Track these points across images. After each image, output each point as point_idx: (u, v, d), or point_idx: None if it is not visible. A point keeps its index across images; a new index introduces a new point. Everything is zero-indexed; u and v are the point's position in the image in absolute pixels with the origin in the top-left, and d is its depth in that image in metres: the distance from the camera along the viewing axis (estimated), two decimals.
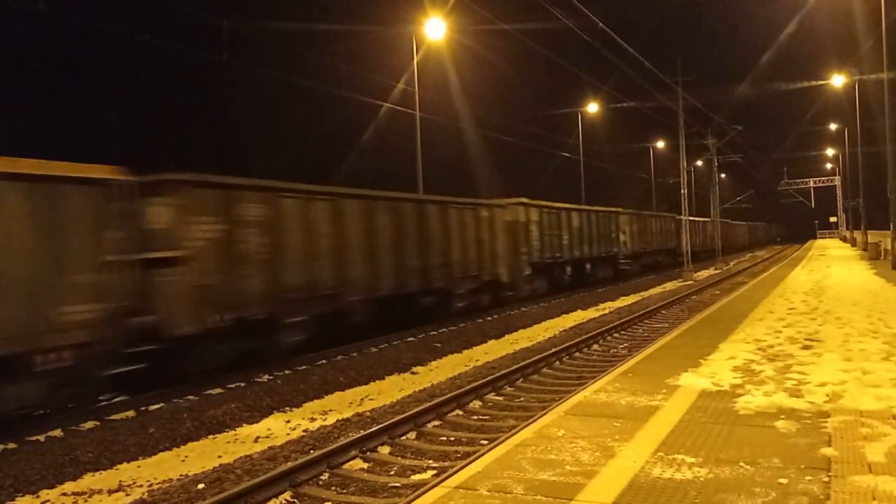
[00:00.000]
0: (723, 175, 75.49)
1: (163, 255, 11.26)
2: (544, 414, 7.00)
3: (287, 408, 10.89)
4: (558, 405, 7.33)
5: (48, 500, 7.43)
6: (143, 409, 10.46)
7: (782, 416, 6.29)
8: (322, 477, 7.48)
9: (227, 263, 12.31)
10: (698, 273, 38.60)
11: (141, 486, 7.65)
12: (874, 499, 4.40)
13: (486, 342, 16.87)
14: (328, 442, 8.64)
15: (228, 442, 9.29)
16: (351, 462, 7.86)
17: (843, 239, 76.07)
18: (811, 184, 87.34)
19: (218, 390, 11.61)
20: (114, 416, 10.08)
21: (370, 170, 46.05)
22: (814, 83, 47.05)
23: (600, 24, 21.79)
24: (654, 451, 5.45)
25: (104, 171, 10.33)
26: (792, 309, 14.61)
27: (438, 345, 16.09)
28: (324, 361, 13.98)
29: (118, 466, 8.36)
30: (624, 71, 28.52)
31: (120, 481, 7.80)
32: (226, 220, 12.34)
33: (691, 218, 48.20)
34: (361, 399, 11.41)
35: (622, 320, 18.39)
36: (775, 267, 36.06)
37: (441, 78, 35.60)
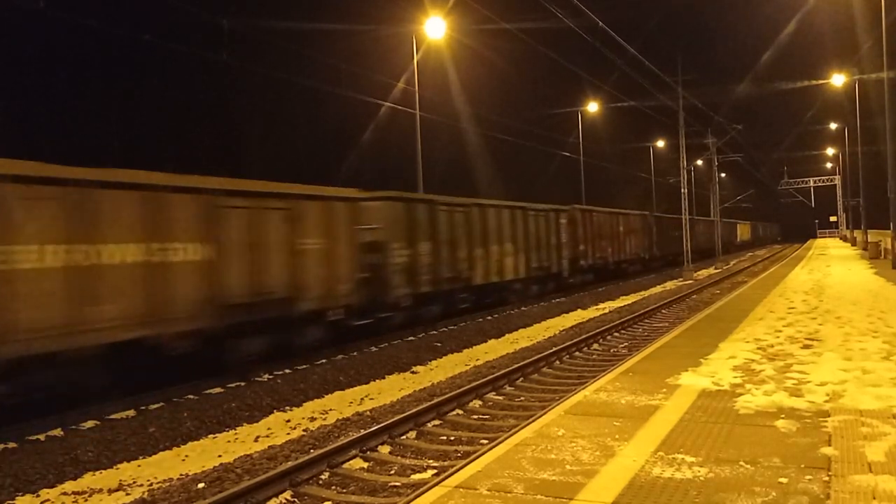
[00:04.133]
0: (723, 174, 75.49)
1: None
2: (544, 413, 7.01)
3: (287, 407, 10.89)
4: (558, 404, 7.33)
5: (48, 500, 7.43)
6: (144, 408, 10.45)
7: (782, 416, 6.29)
8: (322, 476, 7.48)
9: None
10: (698, 272, 38.60)
11: (141, 485, 7.66)
12: (874, 498, 4.40)
13: (486, 341, 16.87)
14: (328, 441, 8.64)
15: (228, 441, 9.29)
16: (351, 461, 7.86)
17: (843, 238, 76.07)
18: (811, 183, 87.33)
19: (218, 390, 11.61)
20: (114, 416, 10.08)
21: (370, 169, 46.07)
22: (814, 83, 47.06)
23: (601, 23, 21.80)
24: (654, 450, 5.46)
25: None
26: (792, 308, 14.61)
27: (438, 344, 16.09)
28: (324, 361, 13.98)
29: (118, 466, 8.36)
30: (624, 70, 28.50)
31: (120, 480, 7.80)
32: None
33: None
34: (361, 398, 11.41)
35: (622, 319, 18.39)
36: (775, 266, 36.06)
37: (441, 77, 35.62)
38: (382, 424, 8.79)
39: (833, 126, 64.84)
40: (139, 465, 8.39)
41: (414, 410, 9.41)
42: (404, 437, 8.82)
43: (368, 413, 10.06)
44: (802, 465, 4.99)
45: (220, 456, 8.51)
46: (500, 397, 10.90)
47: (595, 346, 15.29)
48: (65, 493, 7.54)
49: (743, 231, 76.62)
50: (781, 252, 67.79)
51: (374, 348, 15.44)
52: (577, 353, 14.28)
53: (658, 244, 42.72)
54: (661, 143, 64.31)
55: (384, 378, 12.95)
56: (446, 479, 5.08)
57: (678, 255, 44.57)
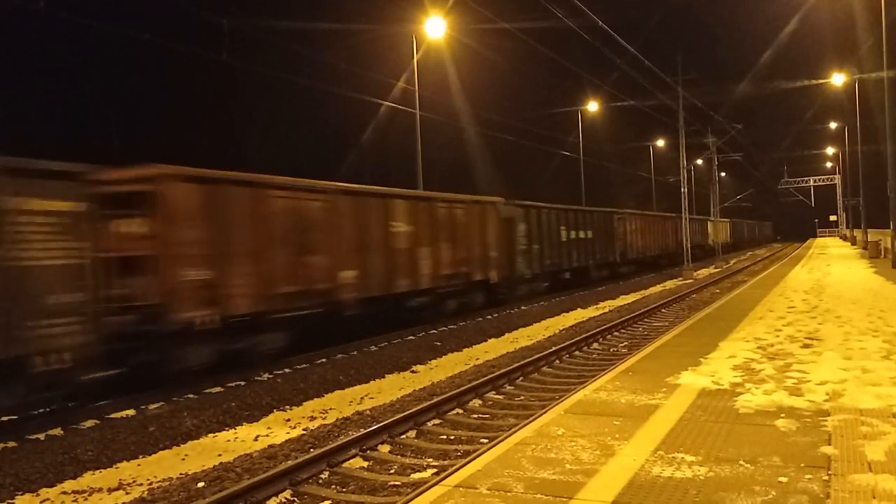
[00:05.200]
0: (723, 174, 75.52)
1: None
2: (544, 412, 7.01)
3: (287, 406, 10.89)
4: (558, 404, 7.33)
5: (48, 499, 7.43)
6: (143, 407, 10.45)
7: (782, 415, 6.29)
8: (322, 475, 7.48)
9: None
10: (698, 272, 38.59)
11: (141, 484, 7.65)
12: (874, 497, 4.40)
13: (486, 341, 16.86)
14: (328, 440, 8.64)
15: (228, 441, 9.29)
16: (351, 461, 7.86)
17: (843, 237, 76.11)
18: (811, 182, 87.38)
19: (218, 389, 11.61)
20: (114, 415, 10.08)
21: (370, 168, 46.05)
22: (814, 82, 47.01)
23: (601, 22, 21.80)
24: (654, 449, 5.46)
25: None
26: (792, 307, 14.61)
27: (438, 343, 16.09)
28: (324, 360, 13.98)
29: (118, 465, 8.36)
30: (624, 70, 28.53)
31: (120, 480, 7.80)
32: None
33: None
34: (361, 398, 11.41)
35: (622, 319, 18.39)
36: (775, 266, 36.06)
37: (441, 77, 35.60)
38: (382, 423, 8.78)
39: (833, 125, 64.94)
40: (139, 465, 8.38)
41: (414, 409, 9.41)
42: (404, 436, 8.82)
43: (368, 412, 10.06)
44: (802, 465, 4.99)
45: (219, 455, 8.51)
46: (500, 396, 10.89)
47: (595, 345, 15.28)
48: (64, 493, 7.54)
49: (718, 230, 57.08)
50: (781, 251, 67.79)
51: (374, 347, 15.43)
52: (576, 353, 14.28)
53: (530, 256, 24.99)
54: (661, 143, 64.36)
55: (384, 377, 12.95)
56: (446, 479, 5.08)
57: (587, 272, 30.18)
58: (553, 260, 27.07)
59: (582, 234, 29.73)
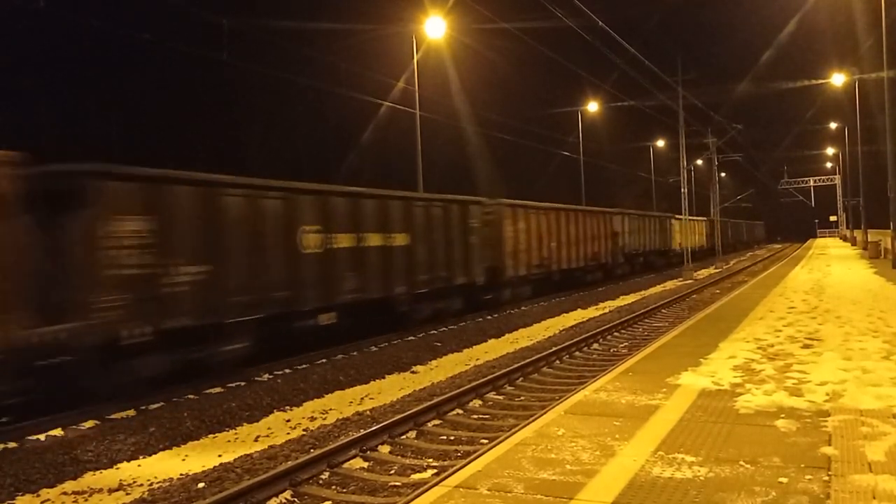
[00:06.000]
0: (723, 174, 75.47)
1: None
2: (544, 413, 7.01)
3: (287, 407, 10.89)
4: (558, 404, 7.33)
5: (48, 500, 7.43)
6: (144, 408, 10.45)
7: (782, 416, 6.29)
8: (322, 476, 7.48)
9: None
10: (698, 272, 38.59)
11: (141, 484, 7.66)
12: (874, 497, 4.40)
13: (486, 341, 16.86)
14: (328, 441, 8.64)
15: (228, 441, 9.29)
16: (351, 461, 7.86)
17: (844, 238, 76.11)
18: (811, 183, 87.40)
19: (218, 389, 11.61)
20: (114, 416, 10.08)
21: (370, 168, 46.03)
22: (814, 82, 46.99)
23: (600, 22, 21.80)
24: (654, 450, 5.46)
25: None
26: (792, 308, 14.61)
27: (438, 344, 16.09)
28: (324, 360, 13.98)
29: (118, 465, 8.36)
30: (624, 70, 28.53)
31: (120, 480, 7.80)
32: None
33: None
34: (361, 398, 11.41)
35: (622, 319, 18.39)
36: (775, 266, 36.07)
37: (441, 77, 35.60)
38: (382, 424, 8.79)
39: (833, 126, 64.93)
40: (139, 465, 8.39)
41: (414, 410, 9.41)
42: (404, 436, 8.82)
43: (368, 413, 10.06)
44: (802, 465, 4.99)
45: (220, 455, 8.51)
46: (501, 397, 10.89)
47: (595, 345, 15.28)
48: (65, 493, 7.54)
49: (689, 232, 43.04)
50: (781, 252, 67.81)
51: (374, 348, 15.43)
52: (577, 353, 14.28)
53: (154, 289, 10.76)
54: (661, 143, 64.35)
55: (384, 378, 12.95)
56: (446, 479, 5.08)
57: (392, 307, 16.75)
58: (269, 293, 13.18)
59: (378, 241, 16.54)
